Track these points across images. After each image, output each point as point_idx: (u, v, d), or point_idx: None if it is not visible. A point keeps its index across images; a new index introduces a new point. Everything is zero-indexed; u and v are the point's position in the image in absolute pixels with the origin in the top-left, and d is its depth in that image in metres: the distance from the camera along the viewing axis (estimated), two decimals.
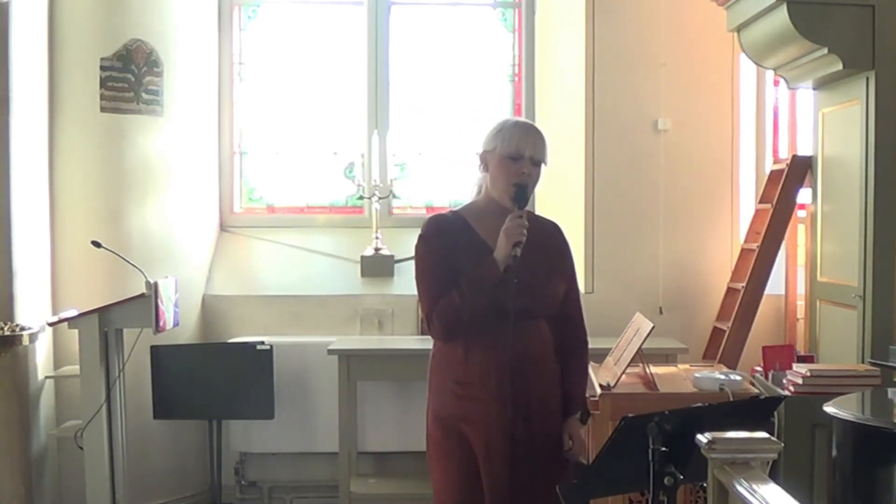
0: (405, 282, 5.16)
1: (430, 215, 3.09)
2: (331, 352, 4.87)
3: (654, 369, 4.11)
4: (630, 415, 2.64)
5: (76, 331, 4.40)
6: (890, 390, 3.73)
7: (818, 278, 4.65)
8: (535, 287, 2.91)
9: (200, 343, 5.23)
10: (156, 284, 4.37)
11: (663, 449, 2.51)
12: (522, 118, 2.97)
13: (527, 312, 2.87)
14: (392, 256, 5.30)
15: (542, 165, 2.94)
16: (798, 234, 5.02)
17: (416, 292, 3.00)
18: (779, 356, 4.34)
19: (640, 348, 3.85)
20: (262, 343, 4.89)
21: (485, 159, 2.95)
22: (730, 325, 4.86)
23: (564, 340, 3.01)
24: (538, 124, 5.71)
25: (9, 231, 4.39)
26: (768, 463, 2.29)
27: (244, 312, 5.33)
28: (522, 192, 2.86)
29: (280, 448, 5.17)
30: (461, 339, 2.88)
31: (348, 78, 5.75)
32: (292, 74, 5.75)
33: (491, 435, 2.86)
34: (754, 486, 2.12)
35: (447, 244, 2.90)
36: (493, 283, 2.81)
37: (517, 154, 2.88)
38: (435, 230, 2.95)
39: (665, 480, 2.51)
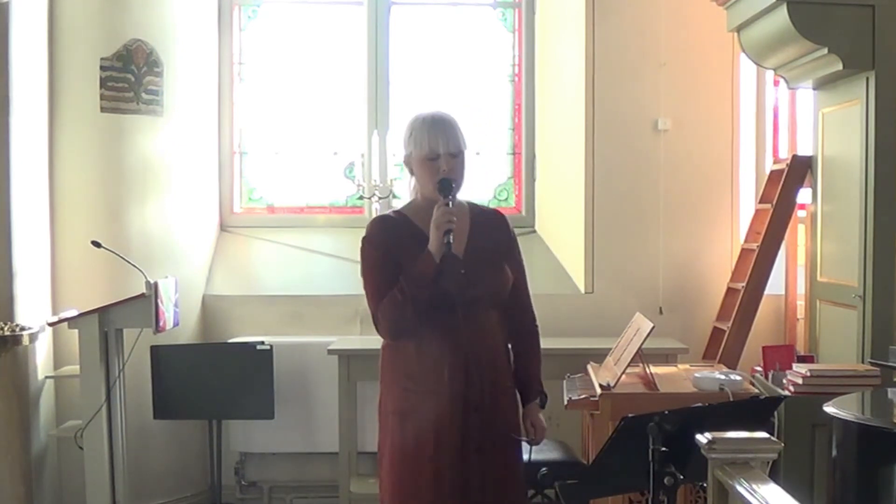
0: None
1: (374, 216, 3.10)
2: (331, 352, 4.87)
3: (654, 369, 4.11)
4: (630, 415, 2.65)
5: (76, 331, 4.40)
6: (890, 390, 3.73)
7: (818, 278, 4.64)
8: (485, 276, 2.93)
9: (200, 343, 5.23)
10: (156, 284, 4.37)
11: (663, 449, 2.51)
12: (430, 112, 2.98)
13: (477, 302, 2.89)
14: None
15: (464, 152, 2.95)
16: (798, 234, 5.02)
17: None
18: (779, 356, 4.34)
19: (640, 348, 3.85)
20: (262, 343, 4.89)
21: (408, 164, 2.99)
22: (730, 325, 4.86)
23: (515, 327, 3.04)
24: (537, 123, 5.78)
25: (9, 231, 4.39)
26: (768, 463, 2.29)
27: (244, 312, 5.33)
28: (446, 185, 2.88)
29: (280, 448, 5.17)
30: (412, 335, 2.89)
31: (348, 78, 5.75)
32: (292, 74, 5.75)
33: (441, 428, 2.86)
34: (754, 486, 2.12)
35: (392, 244, 2.92)
36: (432, 276, 2.82)
37: (432, 154, 2.90)
38: (379, 230, 2.97)
39: (665, 480, 2.51)
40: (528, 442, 3.05)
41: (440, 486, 2.86)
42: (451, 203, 2.85)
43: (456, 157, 2.92)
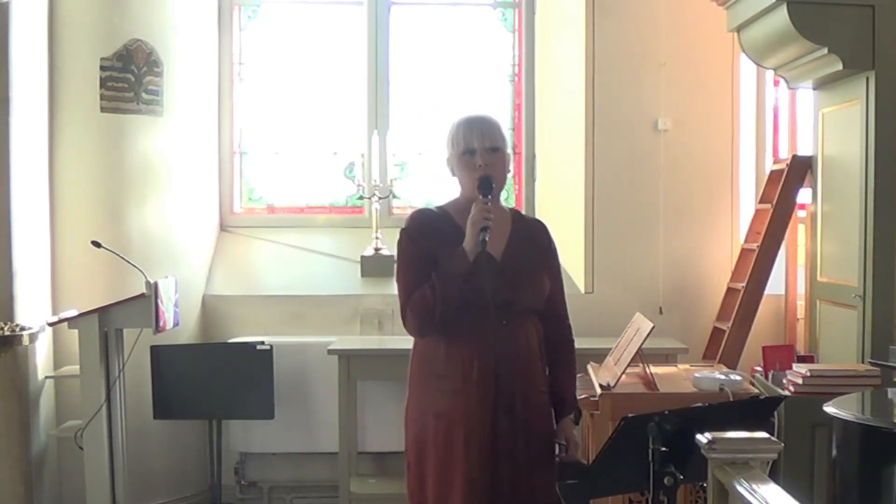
0: None
1: (415, 209, 3.11)
2: (331, 352, 4.87)
3: (654, 369, 4.11)
4: (630, 415, 2.64)
5: (76, 331, 4.40)
6: (890, 390, 3.73)
7: (818, 278, 4.64)
8: (521, 280, 2.92)
9: (200, 343, 5.23)
10: (156, 284, 4.37)
11: (663, 449, 2.51)
12: (470, 114, 3.01)
13: (511, 306, 2.87)
14: (392, 256, 5.29)
15: (504, 150, 2.95)
16: (798, 234, 5.02)
17: None
18: (779, 356, 4.34)
19: (640, 348, 3.85)
20: (262, 343, 4.89)
21: (450, 166, 2.99)
22: (730, 325, 4.86)
23: (550, 338, 3.02)
24: (537, 123, 5.78)
25: (9, 231, 4.39)
26: (768, 463, 2.29)
27: (244, 312, 5.33)
28: (486, 181, 2.87)
29: (280, 448, 5.17)
30: (441, 334, 2.88)
31: (348, 78, 5.75)
32: (292, 74, 5.75)
33: (472, 429, 2.85)
34: (754, 486, 2.12)
35: (430, 238, 2.91)
36: (464, 275, 2.81)
37: (468, 149, 2.91)
38: (418, 224, 2.97)
39: (665, 480, 2.51)
40: (560, 458, 3.03)
41: (471, 488, 2.84)
42: (489, 202, 2.84)
43: (494, 152, 2.91)
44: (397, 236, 3.00)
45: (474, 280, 2.81)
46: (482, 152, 2.90)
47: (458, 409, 2.86)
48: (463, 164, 2.92)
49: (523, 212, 5.69)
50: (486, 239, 2.80)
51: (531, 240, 3.02)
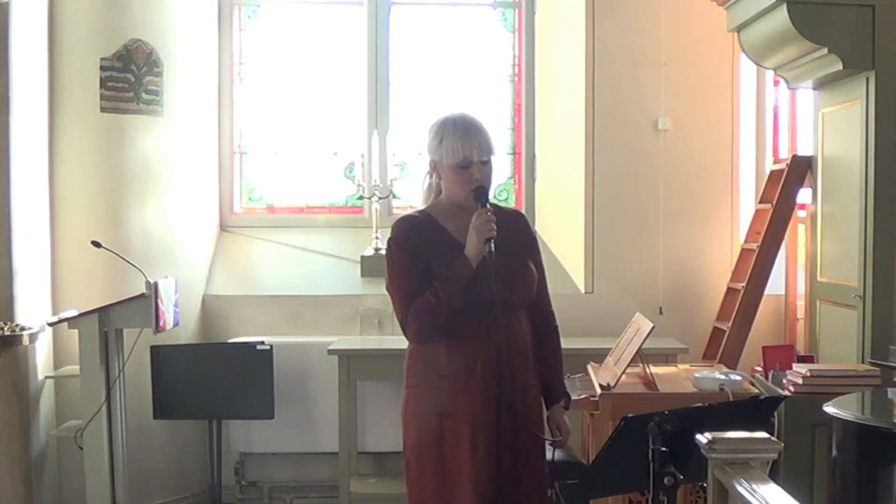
0: None
1: (399, 216, 3.10)
2: (331, 352, 4.87)
3: (654, 369, 4.11)
4: (630, 415, 2.65)
5: (76, 331, 4.40)
6: (890, 390, 3.73)
7: (818, 278, 4.64)
8: (514, 276, 2.93)
9: (200, 343, 5.23)
10: (156, 284, 4.37)
11: (663, 449, 2.51)
12: (460, 115, 2.97)
13: (507, 302, 2.88)
14: None
15: (493, 157, 2.95)
16: (798, 234, 5.02)
17: None
18: (779, 356, 4.34)
19: (640, 348, 3.85)
20: (262, 343, 4.89)
21: (434, 167, 2.98)
22: (730, 325, 4.86)
23: (538, 327, 3.04)
24: (537, 123, 5.77)
25: (9, 231, 4.39)
26: (768, 463, 2.29)
27: (244, 312, 5.33)
28: (483, 192, 2.89)
29: (280, 448, 5.17)
30: (441, 337, 2.88)
31: (348, 78, 5.75)
32: (292, 74, 5.75)
33: (478, 427, 2.86)
34: (754, 486, 2.12)
35: (419, 244, 2.91)
36: (467, 281, 2.82)
37: (465, 163, 2.90)
38: (406, 231, 2.96)
39: (665, 480, 2.51)
40: (554, 444, 3.03)
41: (480, 485, 2.85)
42: (488, 211, 2.85)
43: (486, 164, 2.92)
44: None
45: (477, 285, 2.81)
46: (478, 165, 2.90)
47: (463, 407, 2.86)
48: (457, 175, 2.91)
49: (523, 212, 5.72)
50: (493, 249, 2.81)
51: (514, 233, 3.01)
